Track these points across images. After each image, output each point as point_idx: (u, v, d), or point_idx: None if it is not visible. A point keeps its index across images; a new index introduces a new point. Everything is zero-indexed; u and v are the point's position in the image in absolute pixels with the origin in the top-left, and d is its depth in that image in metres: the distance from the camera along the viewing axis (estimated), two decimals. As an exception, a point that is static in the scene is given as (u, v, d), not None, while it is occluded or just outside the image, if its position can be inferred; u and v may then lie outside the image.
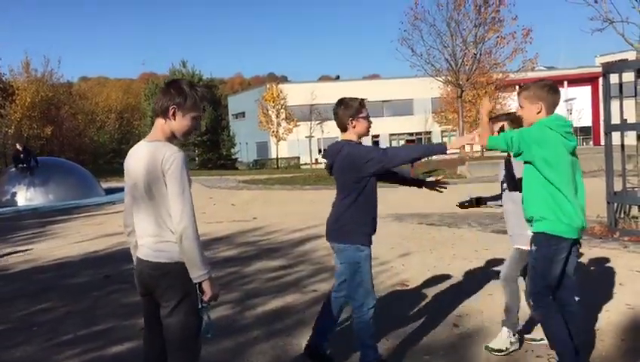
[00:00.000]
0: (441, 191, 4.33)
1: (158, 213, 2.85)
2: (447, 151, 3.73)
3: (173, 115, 2.89)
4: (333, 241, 3.92)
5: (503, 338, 4.18)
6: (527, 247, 4.06)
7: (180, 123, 2.92)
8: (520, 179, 3.84)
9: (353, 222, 3.83)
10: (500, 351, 4.13)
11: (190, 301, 2.84)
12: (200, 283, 2.81)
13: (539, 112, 3.55)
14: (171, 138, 2.94)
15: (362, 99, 3.97)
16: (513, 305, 4.21)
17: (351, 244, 3.81)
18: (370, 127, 3.99)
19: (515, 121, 4.18)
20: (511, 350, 4.15)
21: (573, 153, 3.51)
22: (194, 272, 2.78)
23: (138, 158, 2.91)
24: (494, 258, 7.26)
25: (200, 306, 2.84)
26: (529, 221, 3.63)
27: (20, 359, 4.60)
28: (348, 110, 3.87)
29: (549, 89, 3.57)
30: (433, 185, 4.32)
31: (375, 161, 3.73)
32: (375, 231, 3.96)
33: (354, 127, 3.88)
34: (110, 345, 4.79)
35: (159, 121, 2.93)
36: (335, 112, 3.93)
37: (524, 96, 3.61)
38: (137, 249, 3.03)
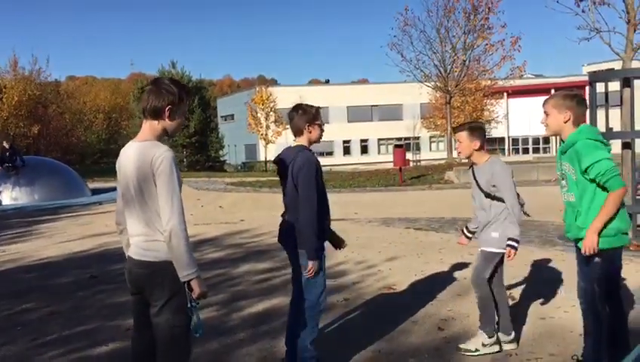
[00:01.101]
0: (338, 248, 4.41)
1: (147, 213, 2.86)
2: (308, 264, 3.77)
3: (169, 115, 2.91)
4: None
5: (476, 339, 4.28)
6: (494, 249, 4.20)
7: (174, 122, 2.95)
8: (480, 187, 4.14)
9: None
10: (469, 350, 4.22)
11: (178, 299, 2.85)
12: (188, 282, 2.81)
13: (566, 121, 3.61)
14: (161, 137, 2.95)
15: (318, 107, 4.06)
16: (487, 307, 4.28)
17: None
18: (322, 134, 4.04)
19: (474, 130, 4.26)
20: (482, 352, 4.20)
21: None
22: (182, 271, 2.79)
23: (128, 158, 2.91)
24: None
25: (189, 305, 2.85)
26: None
27: (3, 359, 4.56)
28: (305, 115, 3.95)
29: (579, 100, 3.65)
30: (336, 244, 4.37)
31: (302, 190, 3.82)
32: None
33: (309, 132, 3.96)
34: (95, 345, 4.77)
35: (150, 122, 2.93)
36: (291, 117, 4.00)
37: (553, 105, 3.66)
38: (128, 248, 3.04)
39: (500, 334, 4.34)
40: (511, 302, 5.55)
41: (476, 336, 4.32)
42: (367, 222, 11.82)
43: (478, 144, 4.24)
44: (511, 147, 57.60)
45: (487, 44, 30.64)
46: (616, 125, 8.86)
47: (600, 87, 8.53)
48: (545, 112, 3.72)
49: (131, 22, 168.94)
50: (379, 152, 57.94)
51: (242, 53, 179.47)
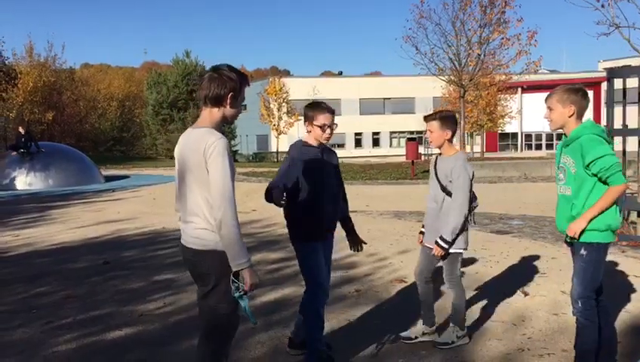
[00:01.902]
0: (356, 251, 4.43)
1: (197, 200, 2.87)
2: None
3: (231, 102, 2.94)
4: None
5: (448, 333, 4.30)
6: (453, 250, 4.14)
7: (235, 109, 2.99)
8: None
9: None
10: (446, 344, 4.25)
11: (222, 288, 2.86)
12: (238, 271, 2.80)
13: (571, 115, 3.60)
14: (220, 124, 2.98)
15: (325, 108, 3.98)
16: (461, 303, 4.31)
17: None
18: (323, 136, 3.99)
19: (446, 119, 4.15)
20: (458, 344, 4.25)
21: None
22: (233, 260, 2.78)
23: (184, 145, 2.95)
24: (492, 256, 7.30)
25: (236, 294, 2.83)
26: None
27: (19, 341, 4.62)
28: (307, 114, 4.01)
29: (583, 93, 3.62)
30: (354, 243, 4.38)
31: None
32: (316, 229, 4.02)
33: (309, 131, 4.02)
34: (109, 330, 4.82)
35: (210, 109, 2.94)
36: (305, 112, 4.06)
37: (557, 99, 3.63)
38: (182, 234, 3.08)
39: (424, 326, 4.39)
40: (524, 297, 5.55)
41: (448, 330, 4.35)
42: (378, 214, 11.82)
43: (449, 134, 4.15)
44: (524, 143, 57.24)
45: (503, 39, 30.35)
46: (632, 122, 8.77)
47: (618, 84, 8.44)
48: (548, 107, 3.70)
49: (146, 10, 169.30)
50: (390, 145, 57.82)
51: (256, 43, 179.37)
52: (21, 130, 20.39)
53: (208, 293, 2.92)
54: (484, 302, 5.41)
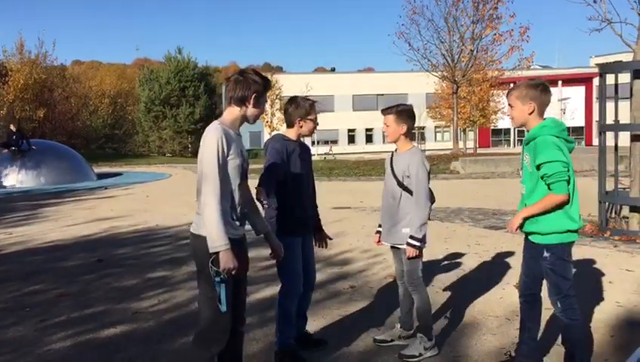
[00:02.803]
0: (323, 247, 4.43)
1: (199, 189, 3.01)
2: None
3: (254, 103, 3.13)
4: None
5: (415, 344, 4.08)
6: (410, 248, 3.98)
7: (257, 109, 3.18)
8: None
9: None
10: (413, 356, 4.02)
11: (207, 273, 2.97)
12: (216, 255, 2.90)
13: (531, 112, 3.50)
14: (236, 121, 3.17)
15: (314, 102, 4.09)
16: (426, 307, 4.11)
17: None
18: (314, 128, 4.09)
19: (402, 113, 4.04)
20: (426, 355, 4.03)
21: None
22: (211, 242, 2.90)
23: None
24: (485, 252, 7.33)
25: (218, 279, 2.93)
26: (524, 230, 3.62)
27: (12, 339, 4.60)
28: (298, 110, 4.01)
29: (542, 88, 3.50)
30: (321, 239, 4.39)
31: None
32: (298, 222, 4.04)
33: (300, 126, 4.03)
34: (103, 327, 4.81)
35: (231, 108, 3.14)
36: (285, 109, 4.09)
37: (516, 96, 3.53)
38: None
39: (401, 329, 4.32)
40: (517, 292, 5.57)
41: (414, 341, 4.12)
42: (372, 210, 11.82)
43: (405, 128, 4.02)
44: (517, 138, 57.43)
45: (495, 34, 30.45)
46: (624, 117, 8.81)
47: (610, 79, 8.48)
48: (509, 105, 3.62)
49: (137, 7, 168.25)
50: (384, 141, 57.57)
51: (248, 40, 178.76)
52: (12, 127, 20.26)
53: (199, 278, 3.07)
54: (478, 298, 5.43)
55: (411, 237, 3.95)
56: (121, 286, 6.13)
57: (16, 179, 19.16)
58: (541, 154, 3.38)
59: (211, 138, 2.96)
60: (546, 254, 3.52)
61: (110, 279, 6.46)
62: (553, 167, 3.34)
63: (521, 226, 3.59)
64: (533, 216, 3.50)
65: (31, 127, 36.87)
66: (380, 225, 4.30)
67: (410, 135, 4.11)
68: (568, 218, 3.45)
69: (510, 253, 7.29)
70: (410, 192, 4.01)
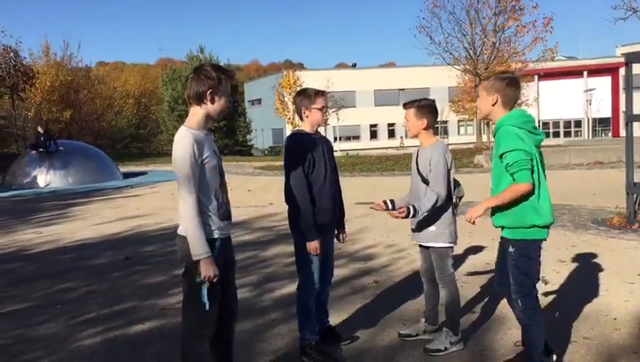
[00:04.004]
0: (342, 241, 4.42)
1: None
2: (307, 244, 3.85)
3: (211, 98, 3.05)
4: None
5: (441, 339, 4.09)
6: (443, 244, 4.01)
7: (217, 104, 3.09)
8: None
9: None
10: (438, 350, 4.02)
11: (190, 272, 3.04)
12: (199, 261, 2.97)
13: (494, 104, 3.48)
14: (203, 121, 3.10)
15: (322, 91, 4.06)
16: (455, 304, 4.11)
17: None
18: (323, 118, 4.03)
19: (422, 108, 4.00)
20: (452, 350, 4.04)
21: (538, 146, 3.45)
22: (193, 250, 2.96)
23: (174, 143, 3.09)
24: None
25: (199, 280, 2.98)
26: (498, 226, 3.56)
27: (44, 336, 4.72)
28: (303, 100, 4.00)
29: (509, 82, 3.47)
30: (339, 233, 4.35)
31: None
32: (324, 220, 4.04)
33: (307, 116, 4.01)
34: (132, 324, 4.90)
35: (193, 108, 3.09)
36: (294, 100, 4.10)
37: (483, 87, 3.55)
38: None
39: (425, 324, 4.30)
40: (544, 286, 5.53)
41: (440, 335, 4.14)
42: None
43: (425, 123, 3.98)
44: (541, 131, 56.62)
45: (518, 26, 30.07)
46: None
47: (636, 68, 8.32)
48: (478, 95, 3.63)
49: (159, 7, 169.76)
50: (406, 136, 57.54)
51: (269, 37, 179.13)
52: (40, 129, 20.66)
53: (183, 276, 3.12)
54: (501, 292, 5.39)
55: (414, 207, 3.83)
56: (148, 283, 6.23)
57: (45, 179, 19.53)
58: (503, 144, 3.36)
59: (183, 146, 2.93)
60: (511, 249, 3.47)
61: (138, 276, 6.57)
62: (515, 155, 3.30)
63: (493, 220, 3.55)
64: (499, 208, 3.45)
65: (58, 128, 37.51)
66: (392, 200, 4.09)
67: (432, 129, 4.06)
68: (534, 211, 3.37)
69: (550, 246, 7.20)
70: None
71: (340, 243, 4.38)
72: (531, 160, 3.33)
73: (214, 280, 2.98)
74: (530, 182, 3.31)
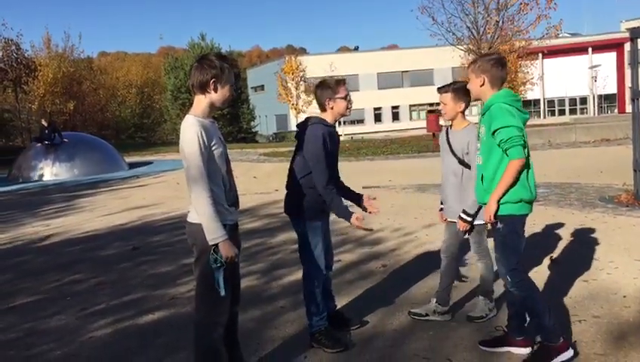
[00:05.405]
0: (368, 230, 4.39)
1: (189, 186, 3.04)
2: (351, 220, 3.82)
3: (214, 87, 3.08)
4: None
5: (481, 306, 4.31)
6: (478, 221, 4.06)
7: (220, 92, 3.12)
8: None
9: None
10: (481, 317, 4.25)
11: (203, 260, 3.05)
12: (216, 245, 2.98)
13: (482, 85, 3.56)
14: (207, 110, 3.12)
15: (342, 80, 4.04)
16: (490, 274, 4.31)
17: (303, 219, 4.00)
18: (348, 107, 4.02)
19: (458, 91, 4.09)
20: (490, 316, 4.27)
21: (524, 125, 3.49)
22: (208, 234, 2.97)
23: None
24: (533, 225, 7.24)
25: (215, 266, 3.00)
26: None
27: (55, 328, 4.75)
28: (325, 91, 3.96)
29: (495, 62, 3.55)
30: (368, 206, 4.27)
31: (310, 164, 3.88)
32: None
33: (331, 107, 3.97)
34: (142, 314, 4.92)
35: (197, 96, 3.12)
36: (314, 93, 4.05)
37: (471, 69, 3.62)
38: None
39: (436, 304, 4.35)
40: (552, 265, 5.51)
41: (478, 303, 4.37)
42: (401, 188, 11.78)
43: (462, 106, 4.12)
44: (546, 109, 56.30)
45: (521, 4, 29.67)
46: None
47: (642, 44, 8.22)
48: (467, 78, 3.71)
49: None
50: (410, 119, 57.35)
51: (271, 23, 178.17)
52: (44, 122, 20.64)
53: (195, 263, 3.13)
54: (529, 271, 5.37)
55: (463, 211, 4.03)
56: (157, 273, 6.25)
57: (51, 172, 19.56)
58: (496, 120, 3.41)
59: (191, 134, 2.95)
60: (499, 225, 3.53)
61: (146, 266, 6.59)
62: (509, 131, 3.36)
63: (479, 197, 3.63)
64: (484, 184, 3.54)
65: (62, 120, 37.53)
66: (442, 202, 4.37)
67: (464, 113, 4.19)
68: (523, 186, 3.44)
69: (543, 226, 7.20)
70: (469, 167, 4.07)
71: (344, 228, 4.40)
72: (522, 136, 3.39)
73: (236, 260, 3.03)
74: (523, 157, 3.39)
